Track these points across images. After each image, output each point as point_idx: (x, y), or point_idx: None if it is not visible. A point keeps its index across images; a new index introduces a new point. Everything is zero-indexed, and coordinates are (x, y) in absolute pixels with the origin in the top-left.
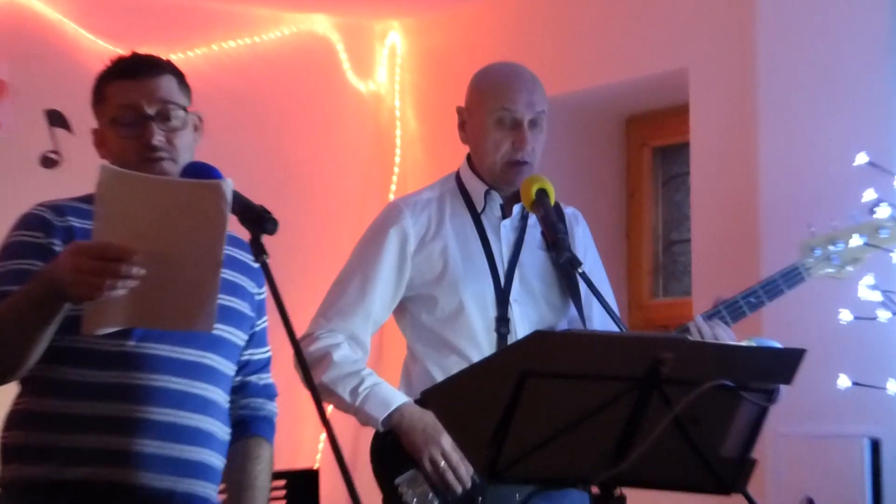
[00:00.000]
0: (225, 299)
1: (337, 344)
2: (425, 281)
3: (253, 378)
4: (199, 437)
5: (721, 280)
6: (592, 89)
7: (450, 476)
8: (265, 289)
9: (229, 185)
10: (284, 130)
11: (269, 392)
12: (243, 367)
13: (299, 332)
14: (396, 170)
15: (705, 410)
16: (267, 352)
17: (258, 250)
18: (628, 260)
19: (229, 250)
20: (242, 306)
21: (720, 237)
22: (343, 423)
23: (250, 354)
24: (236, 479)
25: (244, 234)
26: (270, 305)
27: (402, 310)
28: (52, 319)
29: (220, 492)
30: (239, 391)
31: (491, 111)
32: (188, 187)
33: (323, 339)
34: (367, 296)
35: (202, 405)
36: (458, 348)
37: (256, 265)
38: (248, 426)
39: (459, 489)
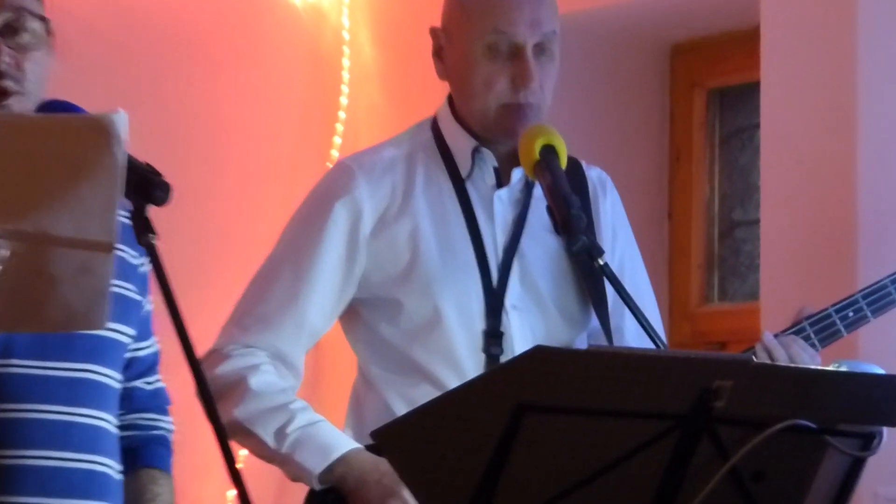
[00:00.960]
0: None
1: (255, 365)
2: (386, 278)
3: (139, 383)
4: (91, 487)
5: (803, 279)
6: (624, 4)
7: None
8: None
9: (122, 119)
10: (185, 61)
11: (160, 401)
12: (125, 369)
13: (203, 347)
14: (342, 115)
15: (775, 462)
16: (154, 344)
17: (141, 227)
18: (671, 249)
19: None
20: (128, 289)
21: (803, 219)
22: (263, 476)
23: (135, 350)
24: None
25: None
26: (159, 305)
27: (352, 317)
28: None
29: None
30: (122, 404)
31: (480, 34)
32: (61, 126)
33: (236, 357)
34: (301, 297)
35: (91, 440)
36: (430, 373)
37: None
38: (139, 455)
39: None
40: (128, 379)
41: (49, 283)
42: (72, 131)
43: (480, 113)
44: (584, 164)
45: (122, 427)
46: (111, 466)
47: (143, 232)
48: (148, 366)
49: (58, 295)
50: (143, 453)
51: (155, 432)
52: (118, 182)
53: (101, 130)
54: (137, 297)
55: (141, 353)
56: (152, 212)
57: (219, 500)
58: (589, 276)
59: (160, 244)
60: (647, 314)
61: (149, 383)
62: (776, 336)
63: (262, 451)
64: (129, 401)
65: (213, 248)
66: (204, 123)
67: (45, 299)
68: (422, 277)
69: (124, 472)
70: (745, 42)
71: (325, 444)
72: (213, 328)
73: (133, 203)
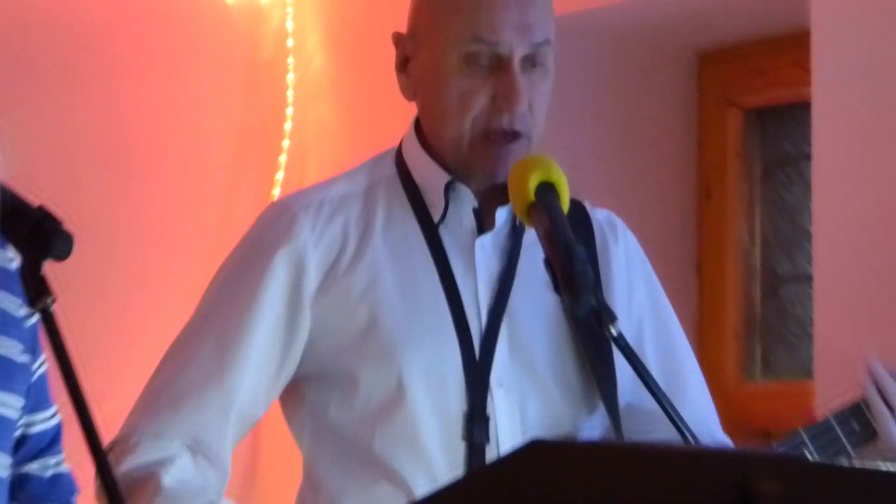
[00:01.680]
0: None
1: (168, 458)
2: (336, 345)
3: (34, 467)
4: None
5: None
6: (637, 2)
7: None
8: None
9: None
10: (97, 72)
11: (61, 490)
12: (16, 449)
13: (109, 436)
14: (286, 143)
15: None
16: (54, 416)
17: (35, 288)
18: (700, 310)
19: None
20: (8, 348)
21: (866, 273)
22: None
23: (27, 425)
24: None
25: None
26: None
27: (294, 398)
28: None
29: None
30: (13, 494)
31: (455, 41)
32: None
33: (144, 450)
34: (227, 373)
35: None
36: (391, 469)
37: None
38: None
39: None
40: (19, 463)
41: None
42: None
43: (453, 141)
44: (587, 204)
45: None
46: None
47: (38, 293)
48: (47, 443)
49: None
50: None
51: None
52: None
53: None
54: (22, 359)
55: (36, 429)
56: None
57: None
58: (595, 343)
59: (62, 304)
60: (690, 390)
61: (46, 467)
62: (833, 416)
63: None
64: (22, 490)
65: (121, 305)
66: (112, 146)
67: None
68: (381, 344)
69: None
70: (791, 50)
71: None
72: (121, 409)
73: (24, 256)
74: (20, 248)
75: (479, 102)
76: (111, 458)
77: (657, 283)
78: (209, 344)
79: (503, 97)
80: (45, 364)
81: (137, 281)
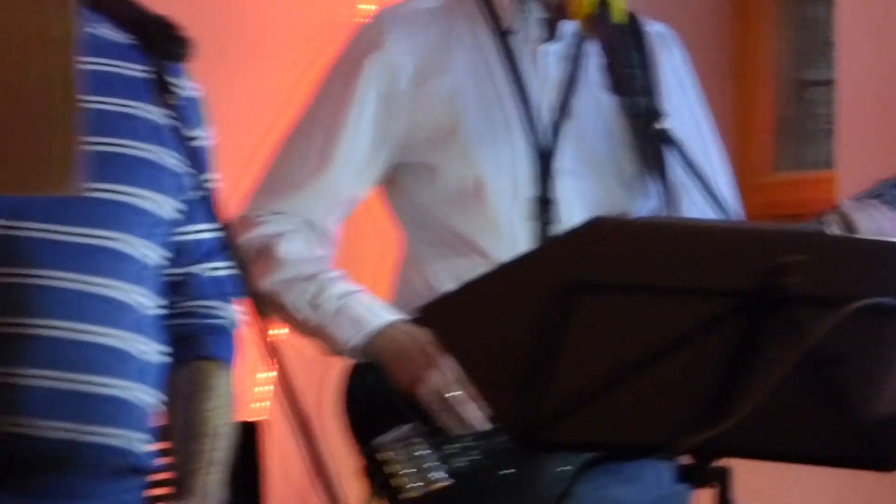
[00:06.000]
0: (119, 144)
1: (283, 232)
2: (424, 139)
3: (195, 269)
4: (108, 362)
5: (883, 145)
6: None
7: (462, 411)
8: (202, 130)
9: None
10: None
11: (222, 288)
12: (180, 254)
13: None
14: None
15: (853, 345)
16: (216, 228)
17: (163, 87)
18: (737, 112)
19: (107, 63)
20: (155, 153)
21: (884, 76)
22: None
23: (189, 232)
24: (182, 422)
25: None
26: None
27: (392, 186)
28: None
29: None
30: (178, 290)
31: None
32: None
33: (263, 224)
34: (332, 160)
35: (109, 312)
36: (475, 244)
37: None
38: (195, 343)
39: (478, 425)
40: (183, 265)
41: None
42: None
43: None
44: (641, 18)
45: (178, 315)
46: (138, 344)
47: (164, 91)
48: (208, 250)
49: (13, 149)
50: (201, 342)
51: (213, 321)
52: (72, 19)
53: None
54: (176, 166)
55: (191, 237)
56: None
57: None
58: (648, 140)
59: None
60: (718, 184)
61: (209, 269)
62: (850, 201)
63: (292, 322)
64: (187, 287)
65: (231, 112)
66: None
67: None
68: (462, 139)
69: (178, 363)
70: None
71: (361, 316)
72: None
73: (150, 61)
74: (145, 51)
75: None
76: (233, 231)
77: (700, 93)
78: (315, 137)
79: None
80: (210, 181)
81: (244, 87)
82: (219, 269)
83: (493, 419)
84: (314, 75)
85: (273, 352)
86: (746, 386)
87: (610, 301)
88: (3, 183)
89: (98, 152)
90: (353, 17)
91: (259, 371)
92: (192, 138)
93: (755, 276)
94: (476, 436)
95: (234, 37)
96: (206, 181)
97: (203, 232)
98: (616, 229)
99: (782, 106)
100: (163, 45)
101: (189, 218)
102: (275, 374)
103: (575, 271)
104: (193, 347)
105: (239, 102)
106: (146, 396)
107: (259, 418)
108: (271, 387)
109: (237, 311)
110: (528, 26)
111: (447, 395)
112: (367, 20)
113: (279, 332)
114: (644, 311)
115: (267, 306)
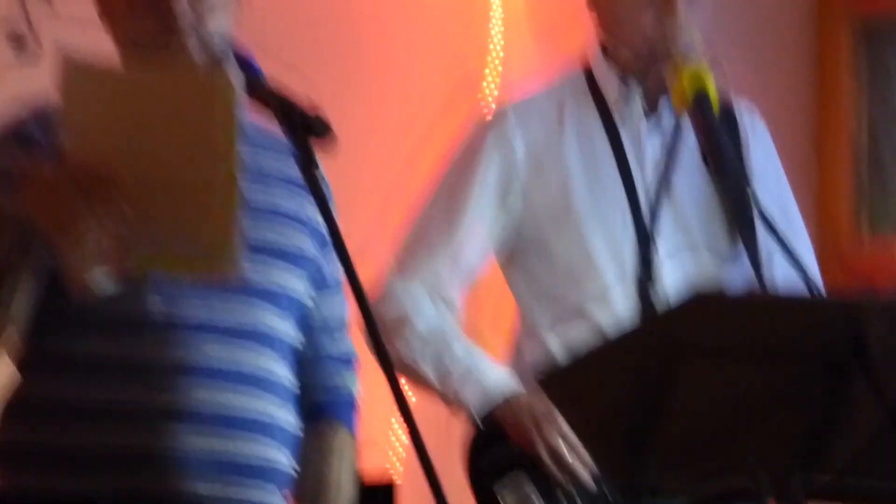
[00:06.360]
0: (267, 231)
1: (416, 304)
2: (538, 220)
3: (325, 343)
4: (253, 427)
5: None
6: None
7: (572, 462)
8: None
9: (231, 74)
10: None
11: (345, 358)
12: (311, 332)
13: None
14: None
15: None
16: (343, 305)
17: (306, 160)
18: (819, 184)
19: (263, 154)
20: (297, 239)
21: None
22: (428, 413)
23: (320, 311)
24: (311, 481)
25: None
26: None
27: (509, 263)
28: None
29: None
30: (306, 364)
31: None
32: (177, 82)
33: (396, 297)
34: (455, 234)
35: (255, 384)
36: (584, 311)
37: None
38: (323, 410)
39: (587, 475)
40: (313, 342)
41: (172, 226)
42: (192, 85)
43: (628, 42)
44: (733, 99)
45: (307, 387)
46: (279, 412)
47: (307, 165)
48: (335, 326)
49: (182, 238)
50: (328, 409)
51: (339, 390)
52: (233, 124)
53: (217, 85)
54: (311, 250)
55: (327, 313)
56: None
57: (384, 437)
58: (740, 214)
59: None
60: (801, 251)
61: (334, 343)
62: None
63: (426, 387)
64: (315, 361)
65: (357, 192)
66: (339, 30)
67: (170, 242)
68: (573, 219)
69: (307, 429)
70: None
71: (488, 383)
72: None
73: (293, 141)
74: (289, 133)
75: (646, 14)
76: (375, 307)
77: (781, 170)
78: (439, 214)
79: (665, 9)
80: (333, 260)
81: (370, 167)
82: (341, 340)
83: (599, 474)
84: (436, 147)
85: (405, 415)
86: (838, 436)
87: (711, 365)
88: (172, 265)
89: (252, 239)
90: (478, 80)
91: (389, 434)
92: (328, 215)
93: (839, 342)
94: (582, 490)
95: (376, 121)
96: (328, 259)
97: (331, 308)
98: (719, 303)
99: (860, 172)
100: (306, 125)
101: (319, 296)
102: (404, 436)
103: (680, 342)
104: (321, 414)
105: (359, 175)
106: (284, 458)
107: (391, 481)
108: (401, 450)
109: (357, 380)
110: (631, 104)
111: (563, 451)
112: (490, 115)
113: (410, 395)
114: (743, 373)
115: (402, 371)
